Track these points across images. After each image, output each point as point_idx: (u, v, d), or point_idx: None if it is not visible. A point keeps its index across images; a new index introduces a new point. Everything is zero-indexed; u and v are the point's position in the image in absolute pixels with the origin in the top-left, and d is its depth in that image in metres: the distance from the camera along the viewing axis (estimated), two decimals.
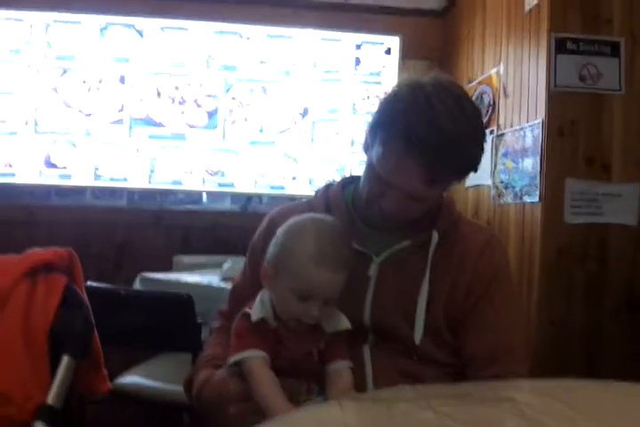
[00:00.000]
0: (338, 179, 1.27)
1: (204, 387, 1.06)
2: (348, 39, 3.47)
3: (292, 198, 3.10)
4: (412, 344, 1.09)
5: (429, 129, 0.96)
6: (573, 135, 2.37)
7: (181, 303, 1.86)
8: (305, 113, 3.41)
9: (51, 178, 3.24)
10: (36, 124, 3.23)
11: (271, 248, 1.03)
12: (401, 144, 0.98)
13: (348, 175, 1.27)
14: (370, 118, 1.08)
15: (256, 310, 0.99)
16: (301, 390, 0.98)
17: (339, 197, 1.18)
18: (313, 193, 1.26)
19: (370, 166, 1.08)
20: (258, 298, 1.02)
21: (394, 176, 1.01)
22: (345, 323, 1.03)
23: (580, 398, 0.89)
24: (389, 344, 1.10)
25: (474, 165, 1.04)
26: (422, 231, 1.13)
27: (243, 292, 1.20)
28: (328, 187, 1.23)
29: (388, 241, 1.13)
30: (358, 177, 1.20)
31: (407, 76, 1.08)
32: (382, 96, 1.07)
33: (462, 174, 1.07)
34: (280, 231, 1.03)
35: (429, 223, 1.14)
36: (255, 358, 0.95)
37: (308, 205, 1.22)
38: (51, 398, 1.04)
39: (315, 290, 0.96)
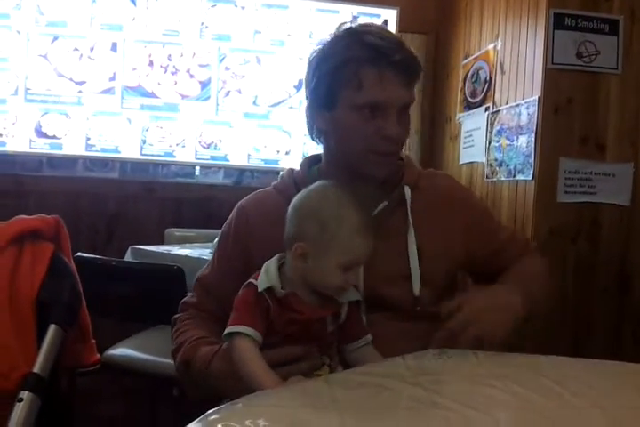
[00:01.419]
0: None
1: (213, 360, 1.03)
2: (344, 10, 3.41)
3: None
4: (411, 300, 1.11)
5: (381, 42, 1.07)
6: (569, 113, 2.35)
7: (172, 276, 1.86)
8: (299, 85, 3.36)
9: (41, 148, 3.20)
10: (26, 92, 3.17)
11: (300, 223, 0.99)
12: (371, 67, 1.07)
13: (308, 156, 1.28)
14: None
15: (262, 281, 0.98)
16: (314, 357, 0.98)
17: (305, 178, 1.19)
18: None
19: (349, 116, 1.10)
20: (263, 269, 1.01)
21: (385, 92, 1.08)
22: (356, 294, 1.04)
23: (569, 376, 0.90)
24: (385, 310, 1.11)
25: (418, 61, 1.14)
26: (393, 189, 1.17)
27: (211, 282, 1.19)
28: (292, 171, 1.24)
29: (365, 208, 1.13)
30: (319, 155, 1.23)
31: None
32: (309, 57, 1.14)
33: (419, 71, 1.14)
34: (306, 205, 1.01)
35: (397, 181, 1.18)
36: (244, 335, 0.94)
37: (275, 190, 1.23)
38: (37, 367, 1.03)
39: (361, 260, 0.99)
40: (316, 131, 1.18)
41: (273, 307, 0.96)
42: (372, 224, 1.00)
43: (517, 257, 1.26)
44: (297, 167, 1.25)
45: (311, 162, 1.24)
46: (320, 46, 1.13)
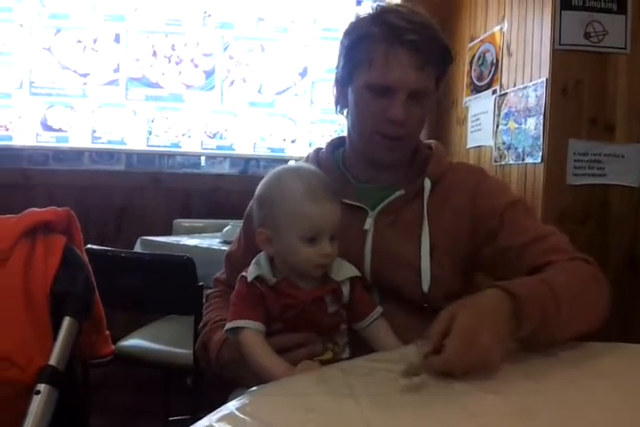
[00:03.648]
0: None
1: (223, 347, 1.06)
2: None
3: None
4: (419, 295, 1.09)
5: (399, 21, 1.04)
6: (577, 95, 2.33)
7: (182, 266, 1.86)
8: (304, 73, 3.35)
9: (48, 141, 3.20)
10: (31, 85, 3.17)
11: (257, 211, 1.02)
12: (381, 45, 1.05)
13: (334, 138, 1.27)
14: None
15: (251, 271, 0.99)
16: (315, 343, 0.98)
17: (329, 159, 1.20)
18: None
19: (360, 95, 1.09)
20: (253, 261, 1.02)
21: (391, 73, 1.05)
22: (353, 270, 1.04)
23: (582, 358, 0.90)
24: (396, 300, 1.10)
25: (447, 50, 1.10)
26: (415, 179, 1.15)
27: (238, 259, 1.21)
28: (318, 151, 1.24)
29: (382, 195, 1.14)
30: (344, 138, 1.23)
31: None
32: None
33: (441, 58, 1.10)
34: (259, 192, 1.03)
35: (420, 171, 1.16)
36: (247, 328, 0.95)
37: None
38: (53, 360, 1.04)
39: (319, 226, 0.95)
40: (339, 108, 1.19)
41: (267, 294, 0.97)
42: (328, 188, 0.98)
43: (543, 260, 1.06)
44: (323, 148, 1.24)
45: (336, 144, 1.24)
46: (346, 28, 1.13)
